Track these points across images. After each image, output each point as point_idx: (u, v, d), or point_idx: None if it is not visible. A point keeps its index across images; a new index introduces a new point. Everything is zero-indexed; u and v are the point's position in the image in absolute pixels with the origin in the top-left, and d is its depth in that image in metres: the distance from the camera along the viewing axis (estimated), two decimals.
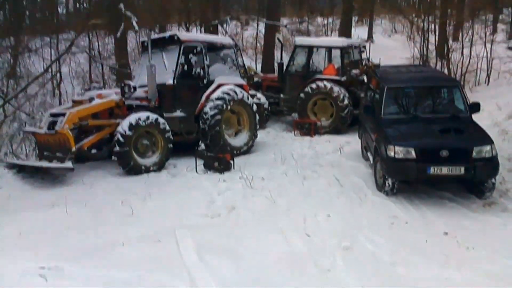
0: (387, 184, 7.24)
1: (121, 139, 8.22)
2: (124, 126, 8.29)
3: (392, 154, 6.94)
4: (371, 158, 8.32)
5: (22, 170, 8.11)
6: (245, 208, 6.78)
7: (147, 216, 6.39)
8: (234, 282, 4.67)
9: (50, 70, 13.34)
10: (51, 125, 8.20)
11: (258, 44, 20.07)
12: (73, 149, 7.90)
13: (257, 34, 20.48)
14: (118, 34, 13.52)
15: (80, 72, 15.69)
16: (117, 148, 8.24)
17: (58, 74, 14.90)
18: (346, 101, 12.21)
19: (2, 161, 8.67)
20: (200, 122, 9.64)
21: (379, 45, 22.29)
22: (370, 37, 24.81)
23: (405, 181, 7.39)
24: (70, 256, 5.16)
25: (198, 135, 9.82)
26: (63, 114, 8.14)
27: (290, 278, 4.77)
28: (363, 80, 12.80)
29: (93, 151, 9.41)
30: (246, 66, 11.86)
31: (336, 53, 12.64)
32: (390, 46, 23.11)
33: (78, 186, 7.71)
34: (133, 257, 5.16)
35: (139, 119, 8.41)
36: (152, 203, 6.91)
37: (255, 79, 14.07)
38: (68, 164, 7.77)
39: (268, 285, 4.64)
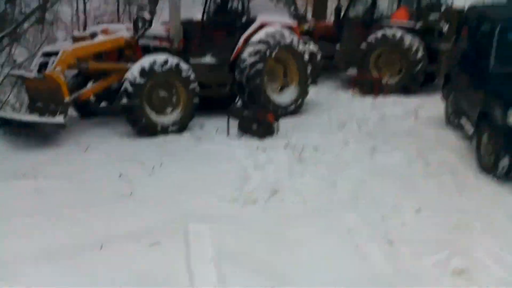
0: (501, 165, 4.97)
1: (130, 88, 6.22)
2: (134, 71, 6.26)
3: None
4: (469, 127, 6.01)
5: (6, 125, 6.25)
6: (292, 191, 4.71)
7: (150, 198, 4.41)
8: None
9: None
10: (43, 68, 6.26)
11: None
12: (66, 99, 5.97)
13: None
14: None
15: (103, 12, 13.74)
16: (124, 100, 6.25)
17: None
18: (419, 54, 9.72)
19: None
20: (236, 71, 7.49)
21: None
22: None
23: None
24: (20, 258, 3.28)
25: (233, 89, 7.68)
26: (57, 53, 6.18)
27: None
28: (442, 28, 10.25)
29: (103, 104, 7.55)
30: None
31: None
32: None
33: (70, 149, 5.79)
34: (112, 268, 3.22)
35: (154, 63, 6.35)
36: (161, 178, 4.92)
37: (305, 27, 11.67)
38: (59, 119, 5.85)
39: None
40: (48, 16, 13.34)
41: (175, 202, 4.32)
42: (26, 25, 11.55)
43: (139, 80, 6.24)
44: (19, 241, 3.52)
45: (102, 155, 5.55)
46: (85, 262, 3.27)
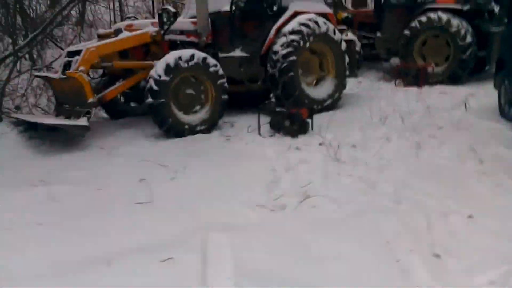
0: None
1: (154, 86, 5.92)
2: (158, 68, 5.95)
3: None
4: None
5: (32, 129, 6.10)
6: (327, 195, 4.23)
7: (170, 206, 4.05)
8: None
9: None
10: (67, 68, 6.06)
11: None
12: (90, 100, 5.73)
13: None
14: None
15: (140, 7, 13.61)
16: (149, 100, 5.96)
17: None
18: (469, 39, 8.98)
19: (8, 115, 6.74)
20: (268, 64, 7.06)
21: None
22: None
23: None
24: (24, 275, 3.01)
25: (265, 83, 7.26)
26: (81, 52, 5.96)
27: None
28: (493, 10, 9.42)
29: (132, 104, 7.34)
30: None
31: None
32: None
33: (92, 152, 5.56)
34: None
35: (180, 58, 6.02)
36: (184, 182, 4.56)
37: (344, 14, 11.07)
38: (82, 121, 5.62)
39: None
40: (86, 17, 13.46)
41: (196, 209, 3.95)
42: (64, 27, 11.67)
43: (164, 77, 5.92)
44: (24, 255, 3.25)
45: (125, 158, 5.26)
46: (91, 280, 2.95)
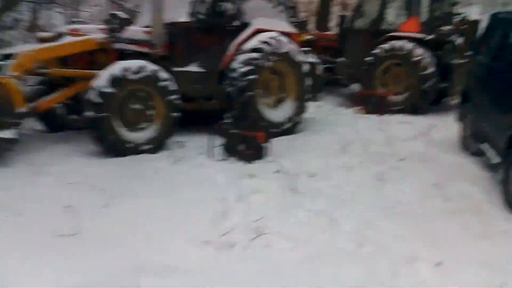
0: None
1: (96, 98, 5.31)
2: (102, 79, 5.35)
3: None
4: (493, 155, 5.08)
5: None
6: (282, 232, 3.75)
7: (98, 240, 3.45)
8: None
9: None
10: None
11: None
12: (19, 109, 5.05)
13: None
14: None
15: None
16: (89, 113, 5.34)
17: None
18: (431, 69, 8.81)
19: None
20: (226, 82, 6.58)
21: None
22: None
23: None
24: None
25: (222, 102, 6.76)
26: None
27: None
28: (455, 42, 9.36)
29: (74, 116, 6.66)
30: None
31: (422, 1, 9.17)
32: None
33: (18, 170, 4.84)
34: None
35: (127, 69, 5.45)
36: (119, 210, 3.96)
37: (306, 37, 10.79)
38: (7, 133, 4.92)
39: None
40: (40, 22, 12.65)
41: (128, 246, 3.37)
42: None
43: (108, 89, 5.32)
44: None
45: (55, 178, 4.60)
46: None
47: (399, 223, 3.99)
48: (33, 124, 6.47)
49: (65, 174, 4.72)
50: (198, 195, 4.34)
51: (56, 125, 6.55)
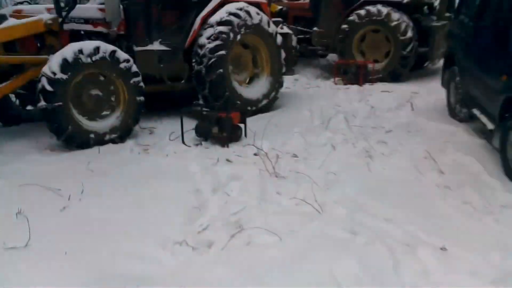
0: None
1: (48, 86, 4.74)
2: (53, 64, 4.77)
3: None
4: (487, 120, 4.73)
5: None
6: (265, 225, 3.31)
7: (53, 250, 2.97)
8: None
9: None
10: None
11: None
12: None
13: None
14: None
15: None
16: (42, 103, 4.77)
17: None
18: (409, 33, 8.42)
19: None
20: (193, 60, 6.06)
21: None
22: None
23: None
24: None
25: (191, 82, 6.24)
26: None
27: None
28: (433, 3, 8.98)
29: (28, 107, 6.09)
30: None
31: None
32: None
33: None
34: None
35: (81, 52, 4.87)
36: (80, 213, 3.47)
37: (278, 6, 10.26)
38: None
39: None
40: None
41: (92, 254, 2.90)
42: None
43: (60, 75, 4.75)
44: None
45: (5, 179, 4.06)
46: None
47: (393, 205, 3.60)
48: None
49: (19, 174, 4.19)
50: (169, 189, 3.87)
51: (10, 118, 5.96)
